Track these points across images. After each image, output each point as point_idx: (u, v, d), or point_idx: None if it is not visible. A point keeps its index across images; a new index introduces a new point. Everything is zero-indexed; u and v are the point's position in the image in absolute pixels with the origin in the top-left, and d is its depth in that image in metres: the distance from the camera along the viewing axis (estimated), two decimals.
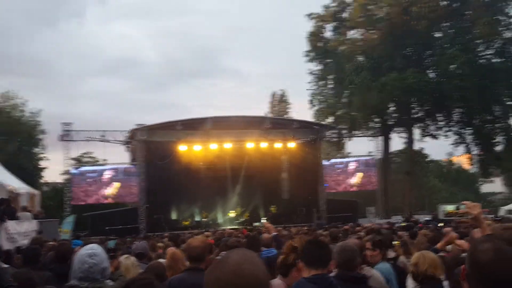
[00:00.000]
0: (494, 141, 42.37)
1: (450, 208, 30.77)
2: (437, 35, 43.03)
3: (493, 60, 41.44)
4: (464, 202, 4.11)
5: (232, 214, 36.75)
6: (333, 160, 40.68)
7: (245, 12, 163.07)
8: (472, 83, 37.21)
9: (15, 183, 23.68)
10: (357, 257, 4.42)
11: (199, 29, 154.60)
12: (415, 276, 4.74)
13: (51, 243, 13.87)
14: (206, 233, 18.63)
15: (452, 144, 44.51)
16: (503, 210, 36.83)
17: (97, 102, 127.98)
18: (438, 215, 30.02)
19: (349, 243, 4.74)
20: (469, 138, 43.51)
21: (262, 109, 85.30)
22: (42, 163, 50.47)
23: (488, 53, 42.83)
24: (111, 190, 34.39)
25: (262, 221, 31.71)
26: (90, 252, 3.93)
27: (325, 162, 38.86)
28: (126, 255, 6.22)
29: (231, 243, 7.19)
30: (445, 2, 42.89)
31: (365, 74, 39.79)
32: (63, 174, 40.47)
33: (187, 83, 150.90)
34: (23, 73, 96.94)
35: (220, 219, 37.15)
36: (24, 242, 15.38)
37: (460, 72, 36.75)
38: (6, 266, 6.27)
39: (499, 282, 2.24)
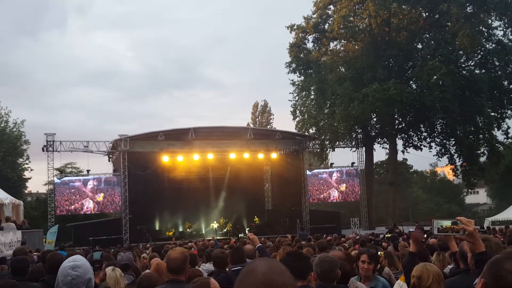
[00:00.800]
0: (477, 152, 42.71)
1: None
2: (419, 46, 43.45)
3: (476, 72, 41.86)
4: (459, 218, 4.02)
5: (215, 225, 36.65)
6: (316, 171, 40.76)
7: (224, 22, 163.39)
8: (453, 95, 37.50)
9: None
10: (336, 269, 4.36)
11: (179, 39, 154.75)
12: None
13: (35, 253, 13.78)
14: (189, 244, 18.61)
15: (436, 155, 44.87)
16: (487, 221, 37.01)
17: (79, 113, 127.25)
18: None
19: (329, 254, 4.70)
20: (452, 149, 43.89)
21: (243, 119, 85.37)
22: (26, 174, 50.04)
23: (470, 64, 43.31)
24: (95, 200, 34.20)
25: (246, 232, 31.58)
26: (73, 264, 3.87)
27: (308, 173, 38.90)
28: (112, 267, 6.20)
29: (216, 254, 7.19)
30: (425, 14, 43.42)
31: (348, 84, 39.96)
32: (47, 184, 40.13)
33: (168, 93, 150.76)
34: (4, 83, 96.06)
35: (203, 230, 37.05)
36: (9, 252, 15.25)
37: (441, 83, 37.01)
38: None
39: None
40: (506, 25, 41.62)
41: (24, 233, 20.73)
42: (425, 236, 19.77)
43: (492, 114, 41.06)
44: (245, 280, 1.73)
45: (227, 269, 6.77)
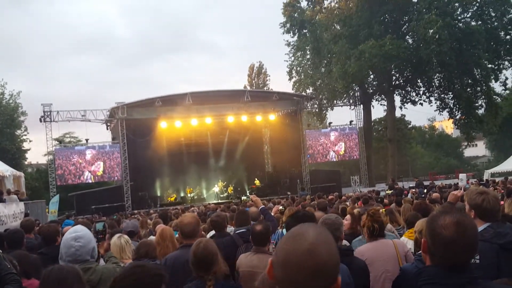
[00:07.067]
0: (475, 104, 42.72)
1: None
2: (414, 0, 42.91)
3: (472, 23, 41.45)
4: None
5: (216, 188, 36.82)
6: (314, 131, 40.71)
7: None
8: (450, 48, 37.30)
9: None
10: (337, 231, 4.40)
11: (171, 3, 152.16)
12: (418, 243, 4.66)
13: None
14: (192, 208, 18.70)
15: (436, 110, 44.91)
16: (487, 174, 37.23)
17: (74, 81, 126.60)
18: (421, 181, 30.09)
19: (332, 215, 4.73)
20: (450, 103, 43.85)
21: (240, 82, 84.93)
22: (25, 145, 50.08)
23: (466, 16, 42.86)
24: (95, 169, 34.21)
25: (249, 195, 31.66)
26: (75, 235, 3.90)
27: (306, 133, 38.83)
28: (119, 234, 6.19)
29: (211, 218, 7.22)
30: None
31: (343, 42, 39.65)
32: (46, 155, 40.16)
33: (162, 59, 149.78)
34: None
35: (204, 194, 37.27)
36: (14, 224, 15.27)
37: (438, 37, 36.73)
38: None
39: None
40: None
41: (27, 204, 20.72)
42: (425, 191, 19.94)
43: (489, 65, 40.93)
44: (291, 243, 1.67)
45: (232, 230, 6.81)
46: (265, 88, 67.26)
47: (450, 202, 5.38)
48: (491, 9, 41.44)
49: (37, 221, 13.92)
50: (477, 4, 41.38)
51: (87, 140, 35.03)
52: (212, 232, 7.52)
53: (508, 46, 41.66)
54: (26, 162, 52.33)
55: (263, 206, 8.08)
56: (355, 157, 40.89)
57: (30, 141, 50.16)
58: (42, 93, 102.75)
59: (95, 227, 5.15)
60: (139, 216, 16.23)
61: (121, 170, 34.03)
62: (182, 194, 36.56)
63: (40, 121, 33.68)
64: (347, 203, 13.45)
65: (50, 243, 6.29)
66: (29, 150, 51.12)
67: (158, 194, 36.58)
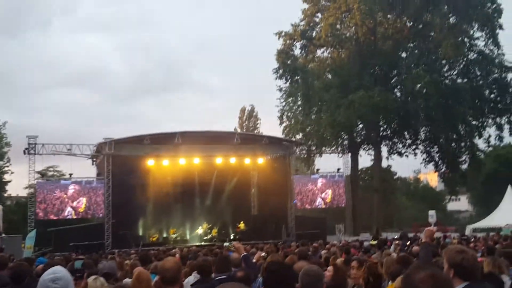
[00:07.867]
0: (459, 159, 43.20)
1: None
2: (403, 55, 43.86)
3: (458, 81, 42.41)
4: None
5: (200, 230, 36.37)
6: (302, 177, 40.69)
7: (213, 28, 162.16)
8: (436, 103, 37.98)
9: None
10: (318, 283, 4.36)
11: (166, 42, 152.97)
12: None
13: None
14: (173, 250, 18.43)
15: (422, 162, 45.41)
16: (469, 229, 37.26)
17: (62, 114, 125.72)
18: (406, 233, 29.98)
19: (314, 267, 4.68)
20: (436, 156, 44.36)
21: (231, 124, 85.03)
22: (6, 177, 49.23)
23: (453, 73, 43.89)
24: (77, 205, 33.69)
25: (232, 241, 31.20)
26: (53, 276, 3.76)
27: (294, 179, 38.79)
28: (94, 276, 6.02)
29: (199, 262, 7.12)
30: (410, 24, 43.88)
31: (334, 91, 40.14)
32: (27, 188, 39.59)
33: (154, 97, 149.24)
34: None
35: (188, 235, 36.75)
36: None
37: (425, 92, 37.47)
38: None
39: None
40: (487, 35, 42.25)
41: (2, 238, 20.34)
42: (407, 243, 19.85)
43: (474, 122, 41.69)
44: None
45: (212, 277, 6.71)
46: (256, 131, 67.61)
47: (425, 242, 5.43)
48: (476, 68, 42.76)
49: (12, 257, 13.58)
50: (464, 63, 42.53)
51: (70, 174, 34.63)
52: (192, 277, 7.41)
53: (492, 104, 42.79)
54: (5, 194, 51.47)
55: (246, 253, 8.01)
56: (342, 205, 40.82)
57: (12, 172, 49.51)
58: (27, 124, 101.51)
59: (74, 265, 5.05)
60: (117, 257, 15.84)
61: (104, 207, 33.52)
62: (165, 235, 36.02)
63: (24, 153, 33.11)
64: (331, 251, 13.34)
65: (18, 282, 6.18)
66: (10, 182, 50.40)
67: (140, 233, 35.99)
